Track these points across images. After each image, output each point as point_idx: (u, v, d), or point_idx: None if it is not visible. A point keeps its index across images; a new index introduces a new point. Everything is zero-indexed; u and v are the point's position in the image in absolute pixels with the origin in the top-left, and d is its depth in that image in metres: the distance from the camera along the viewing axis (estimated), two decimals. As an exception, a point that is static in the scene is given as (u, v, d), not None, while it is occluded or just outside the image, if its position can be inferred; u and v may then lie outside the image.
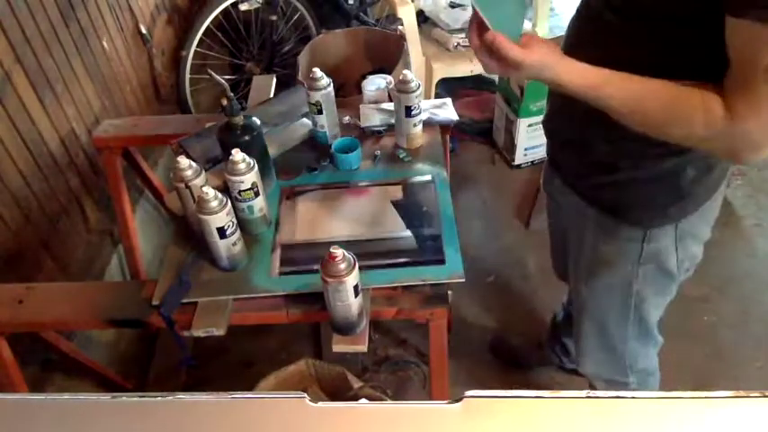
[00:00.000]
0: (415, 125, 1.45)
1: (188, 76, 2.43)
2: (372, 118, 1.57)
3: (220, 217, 1.14)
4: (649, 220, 1.05)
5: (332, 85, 1.44)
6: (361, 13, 2.88)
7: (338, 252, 1.02)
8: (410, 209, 1.36)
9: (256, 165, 1.22)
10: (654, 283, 1.15)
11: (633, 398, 0.43)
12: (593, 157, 1.04)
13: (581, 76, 0.84)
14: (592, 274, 1.18)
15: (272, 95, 1.79)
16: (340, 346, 1.13)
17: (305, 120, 1.57)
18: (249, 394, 0.45)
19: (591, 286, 1.21)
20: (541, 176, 1.31)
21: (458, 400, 0.43)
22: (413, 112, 1.42)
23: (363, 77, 1.73)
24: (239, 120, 1.29)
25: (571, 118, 1.02)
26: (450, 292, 1.19)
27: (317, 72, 1.42)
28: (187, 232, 1.30)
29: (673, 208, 1.03)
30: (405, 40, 2.22)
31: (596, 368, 1.39)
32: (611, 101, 0.84)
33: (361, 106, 1.61)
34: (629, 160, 0.99)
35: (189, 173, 1.20)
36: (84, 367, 1.64)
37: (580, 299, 1.27)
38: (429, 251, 1.25)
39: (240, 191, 1.22)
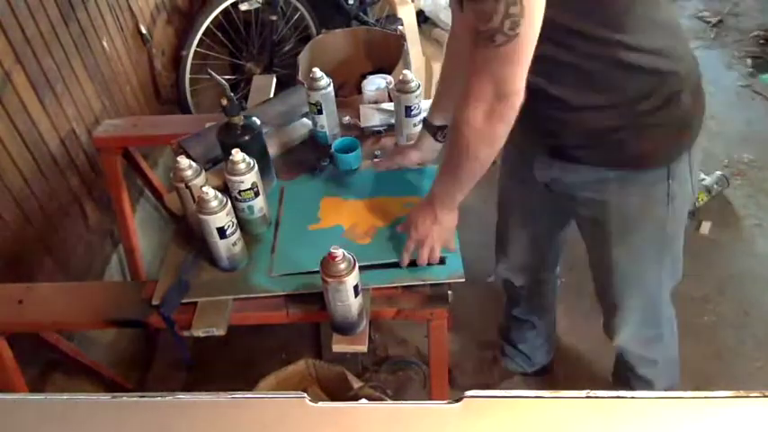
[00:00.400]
0: (414, 125, 1.44)
1: (188, 76, 2.43)
2: (372, 118, 1.57)
3: (220, 217, 1.14)
4: (668, 155, 1.09)
5: (332, 85, 1.43)
6: (361, 13, 2.87)
7: (338, 252, 1.02)
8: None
9: (256, 165, 1.22)
10: (681, 216, 1.20)
11: (633, 398, 0.43)
12: (590, 125, 1.07)
13: (444, 190, 1.13)
14: (624, 233, 1.19)
15: (272, 95, 1.79)
16: (340, 346, 1.13)
17: (305, 120, 1.57)
18: (249, 394, 0.45)
19: (627, 244, 1.20)
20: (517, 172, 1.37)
21: (458, 400, 0.43)
22: (413, 112, 1.42)
23: (363, 77, 1.73)
24: (239, 120, 1.29)
25: (548, 115, 1.09)
26: (450, 292, 1.19)
27: (317, 72, 1.42)
28: (187, 232, 1.30)
29: (684, 136, 1.09)
30: (405, 40, 2.22)
31: (634, 334, 1.38)
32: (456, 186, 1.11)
33: (361, 106, 1.61)
34: (625, 112, 1.04)
35: (189, 173, 1.20)
36: (85, 367, 1.64)
37: (609, 266, 1.26)
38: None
39: (240, 191, 1.22)
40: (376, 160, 1.46)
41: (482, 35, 0.85)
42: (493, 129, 0.96)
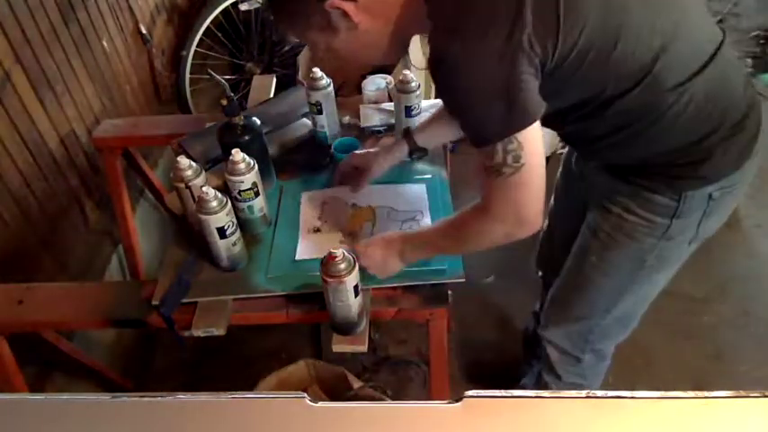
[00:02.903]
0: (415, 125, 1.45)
1: (188, 76, 2.43)
2: (372, 118, 1.57)
3: (220, 217, 1.13)
4: (682, 181, 1.05)
5: (332, 85, 1.43)
6: (362, 13, 2.87)
7: (338, 252, 1.02)
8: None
9: (256, 165, 1.22)
10: (667, 262, 1.17)
11: (633, 398, 0.43)
12: (620, 163, 1.11)
13: (412, 253, 1.13)
14: (608, 247, 1.17)
15: (272, 95, 1.79)
16: (340, 346, 1.13)
17: (305, 120, 1.57)
18: (249, 394, 0.45)
19: (603, 258, 1.19)
20: (564, 157, 1.38)
21: (458, 400, 0.43)
22: (413, 112, 1.42)
23: (363, 77, 1.73)
24: (239, 120, 1.29)
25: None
26: (450, 292, 1.19)
27: (317, 72, 1.42)
28: (187, 232, 1.30)
29: (703, 166, 1.02)
30: (405, 40, 2.21)
31: (561, 338, 1.38)
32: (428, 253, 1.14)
33: (361, 106, 1.61)
34: (657, 155, 1.04)
35: (189, 173, 1.20)
36: (85, 367, 1.64)
37: (579, 271, 1.25)
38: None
39: (240, 191, 1.22)
40: (342, 169, 1.39)
41: (490, 170, 0.91)
42: (502, 242, 1.01)
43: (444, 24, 0.87)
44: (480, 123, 0.90)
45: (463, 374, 1.87)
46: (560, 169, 1.42)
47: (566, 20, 0.83)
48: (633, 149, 1.04)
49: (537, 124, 0.89)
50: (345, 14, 0.92)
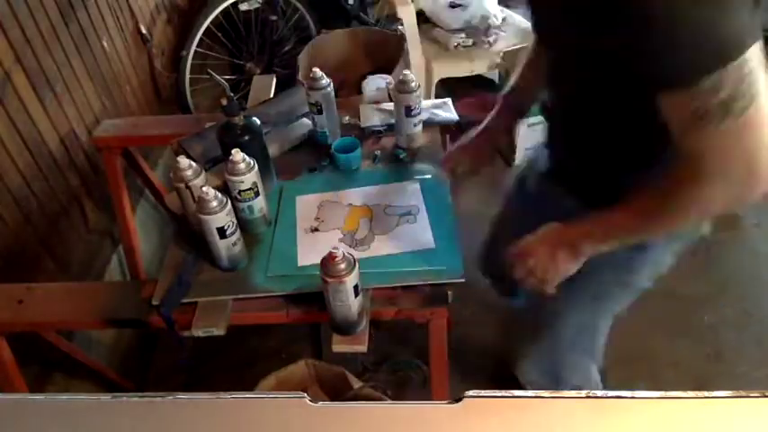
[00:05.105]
0: (415, 125, 1.45)
1: (188, 76, 2.43)
2: (372, 118, 1.57)
3: (220, 217, 1.13)
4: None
5: (332, 85, 1.43)
6: (361, 13, 2.88)
7: (338, 252, 1.02)
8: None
9: (256, 165, 1.22)
10: (624, 294, 1.14)
11: (633, 398, 0.43)
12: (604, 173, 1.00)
13: (603, 236, 0.93)
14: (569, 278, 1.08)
15: (272, 95, 1.79)
16: (340, 346, 1.13)
17: (305, 120, 1.57)
18: (249, 394, 0.44)
19: (563, 289, 1.06)
20: (521, 172, 1.30)
21: (458, 400, 0.43)
22: (413, 112, 1.42)
23: (363, 77, 1.73)
24: (239, 120, 1.29)
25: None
26: (450, 293, 1.19)
27: (317, 72, 1.42)
28: (187, 232, 1.30)
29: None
30: (405, 40, 2.22)
31: (538, 375, 1.34)
32: (632, 238, 0.93)
33: (361, 106, 1.61)
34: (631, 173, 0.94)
35: (189, 173, 1.20)
36: (85, 367, 1.64)
37: (541, 306, 1.19)
38: (429, 251, 1.25)
39: (240, 191, 1.22)
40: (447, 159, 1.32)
41: (707, 114, 0.72)
42: (728, 209, 0.83)
43: None
44: (709, 39, 0.68)
45: (463, 374, 1.87)
46: (514, 187, 1.33)
47: None
48: (624, 167, 0.94)
49: None
50: None
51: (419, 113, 1.43)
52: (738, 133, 0.72)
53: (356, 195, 1.38)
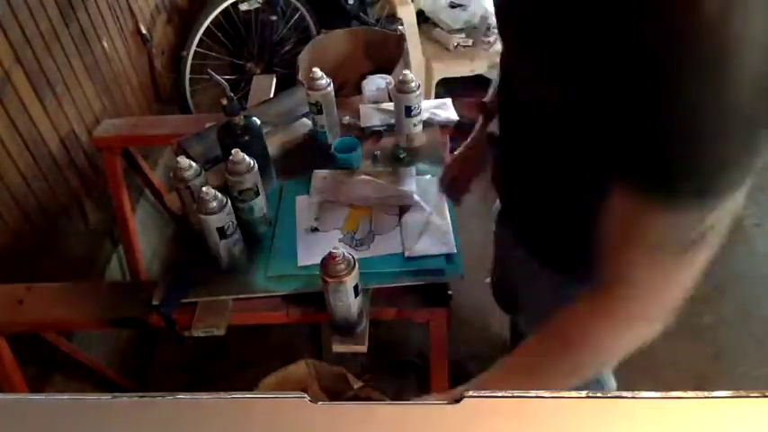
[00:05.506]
0: (415, 125, 1.45)
1: (188, 76, 2.43)
2: (372, 118, 1.57)
3: (220, 217, 1.13)
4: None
5: (332, 85, 1.43)
6: (361, 13, 2.88)
7: (338, 252, 1.02)
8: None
9: (256, 165, 1.22)
10: None
11: (633, 398, 0.43)
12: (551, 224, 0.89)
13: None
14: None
15: (272, 95, 1.79)
16: (340, 346, 1.13)
17: (305, 120, 1.57)
18: (249, 394, 0.44)
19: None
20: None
21: (458, 400, 0.43)
22: (413, 112, 1.42)
23: (363, 77, 1.73)
24: (239, 120, 1.29)
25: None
26: (450, 293, 1.19)
27: (317, 72, 1.42)
28: (187, 232, 1.30)
29: None
30: (405, 40, 2.22)
31: None
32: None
33: (361, 106, 1.61)
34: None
35: (189, 173, 1.20)
36: (84, 367, 1.64)
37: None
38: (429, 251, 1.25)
39: (240, 191, 1.22)
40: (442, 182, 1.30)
41: (664, 247, 0.62)
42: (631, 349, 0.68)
43: None
44: (717, 164, 0.56)
45: (463, 375, 1.87)
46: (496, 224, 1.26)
47: None
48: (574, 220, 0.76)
49: None
50: None
51: (419, 113, 1.43)
52: (677, 273, 0.64)
53: (355, 198, 1.38)
